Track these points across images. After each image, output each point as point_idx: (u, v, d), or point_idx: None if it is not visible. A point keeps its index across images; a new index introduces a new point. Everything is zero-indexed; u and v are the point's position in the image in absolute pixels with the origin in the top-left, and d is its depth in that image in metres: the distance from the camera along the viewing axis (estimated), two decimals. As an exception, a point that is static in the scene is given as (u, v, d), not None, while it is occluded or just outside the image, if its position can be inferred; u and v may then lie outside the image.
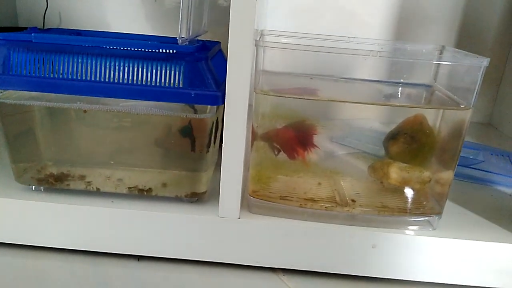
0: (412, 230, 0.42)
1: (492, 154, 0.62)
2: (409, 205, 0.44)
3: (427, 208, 0.44)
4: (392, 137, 0.45)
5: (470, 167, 0.57)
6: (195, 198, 0.43)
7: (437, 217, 0.43)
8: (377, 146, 0.47)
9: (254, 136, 0.42)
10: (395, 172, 0.44)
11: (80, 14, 0.79)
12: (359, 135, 0.47)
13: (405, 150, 0.45)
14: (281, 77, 0.46)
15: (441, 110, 0.45)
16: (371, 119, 0.45)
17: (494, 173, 0.56)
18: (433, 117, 0.44)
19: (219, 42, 0.49)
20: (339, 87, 0.48)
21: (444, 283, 0.43)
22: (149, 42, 0.38)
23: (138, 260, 0.44)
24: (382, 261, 0.42)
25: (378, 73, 0.47)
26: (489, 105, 0.83)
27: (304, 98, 0.42)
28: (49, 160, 0.44)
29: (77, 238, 0.43)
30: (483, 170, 0.56)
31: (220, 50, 0.48)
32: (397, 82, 0.47)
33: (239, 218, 0.41)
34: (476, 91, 0.39)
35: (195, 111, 0.40)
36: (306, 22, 0.79)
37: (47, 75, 0.38)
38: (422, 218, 0.43)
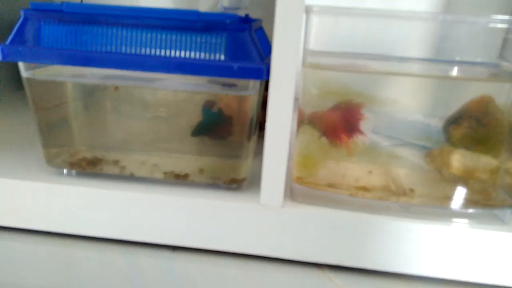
0: (479, 224, 0.37)
1: None
2: (474, 197, 0.39)
3: (497, 200, 0.38)
4: (454, 121, 0.40)
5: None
6: (234, 184, 0.40)
7: (509, 210, 0.37)
8: (428, 139, 0.42)
9: (300, 117, 0.38)
10: (457, 160, 0.39)
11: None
12: (406, 127, 0.42)
13: (470, 136, 0.39)
14: (328, 57, 0.42)
15: (513, 90, 0.40)
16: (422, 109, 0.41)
17: None
18: (504, 98, 0.39)
19: (261, 20, 0.45)
20: (391, 66, 0.43)
21: (517, 287, 0.37)
22: (188, 11, 0.35)
23: (173, 250, 0.40)
24: (445, 259, 0.37)
25: (433, 52, 0.42)
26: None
27: (358, 72, 0.38)
28: (82, 145, 0.42)
29: (109, 226, 0.40)
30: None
31: (262, 28, 0.45)
32: (456, 61, 0.42)
33: (282, 207, 0.37)
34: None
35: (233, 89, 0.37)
36: None
37: (79, 48, 0.35)
38: (490, 211, 0.38)
